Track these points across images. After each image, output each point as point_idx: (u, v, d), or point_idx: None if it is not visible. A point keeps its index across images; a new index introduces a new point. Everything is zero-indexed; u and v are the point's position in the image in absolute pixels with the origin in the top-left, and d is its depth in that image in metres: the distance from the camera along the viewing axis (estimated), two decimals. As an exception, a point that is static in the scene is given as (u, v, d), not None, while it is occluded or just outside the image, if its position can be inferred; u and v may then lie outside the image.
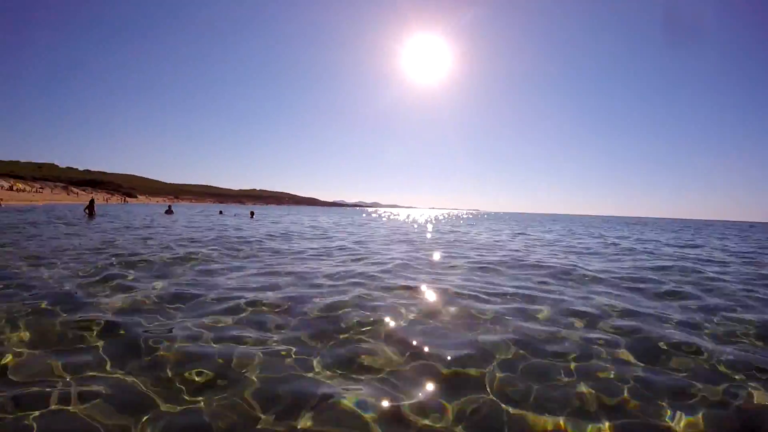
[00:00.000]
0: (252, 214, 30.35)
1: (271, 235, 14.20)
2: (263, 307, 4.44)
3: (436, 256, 9.98)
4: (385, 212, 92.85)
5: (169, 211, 29.22)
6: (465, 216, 79.60)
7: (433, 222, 36.08)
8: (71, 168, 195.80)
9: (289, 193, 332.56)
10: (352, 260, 8.63)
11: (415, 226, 27.15)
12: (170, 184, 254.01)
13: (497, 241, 15.42)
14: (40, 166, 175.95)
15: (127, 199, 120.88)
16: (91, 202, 22.61)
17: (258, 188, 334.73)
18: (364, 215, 56.41)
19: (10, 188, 65.74)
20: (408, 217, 54.68)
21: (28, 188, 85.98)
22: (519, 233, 21.75)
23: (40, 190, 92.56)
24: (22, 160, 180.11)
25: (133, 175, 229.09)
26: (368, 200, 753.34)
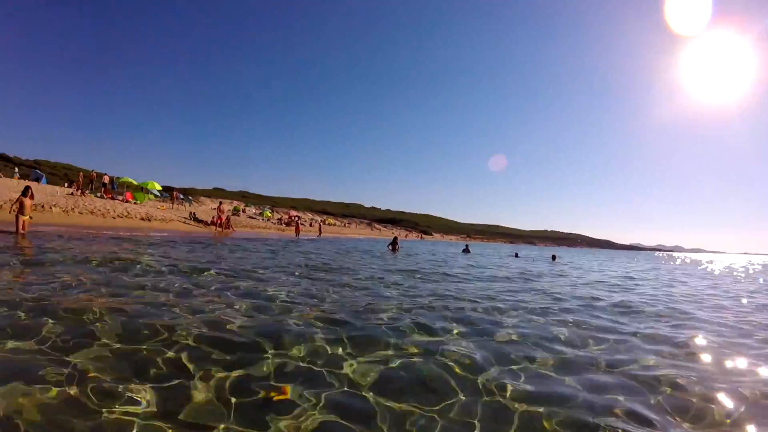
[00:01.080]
0: (554, 257, 27.42)
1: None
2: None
3: None
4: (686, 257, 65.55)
5: (466, 250, 28.91)
6: None
7: None
8: (375, 207, 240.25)
9: (582, 235, 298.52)
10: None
11: None
12: (462, 223, 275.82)
13: None
14: (347, 205, 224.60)
15: (423, 236, 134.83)
16: (395, 239, 24.31)
17: (549, 229, 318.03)
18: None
19: (323, 222, 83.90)
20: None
21: (337, 223, 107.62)
22: None
23: (348, 225, 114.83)
24: (333, 200, 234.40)
25: (429, 215, 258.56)
26: (668, 243, 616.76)
